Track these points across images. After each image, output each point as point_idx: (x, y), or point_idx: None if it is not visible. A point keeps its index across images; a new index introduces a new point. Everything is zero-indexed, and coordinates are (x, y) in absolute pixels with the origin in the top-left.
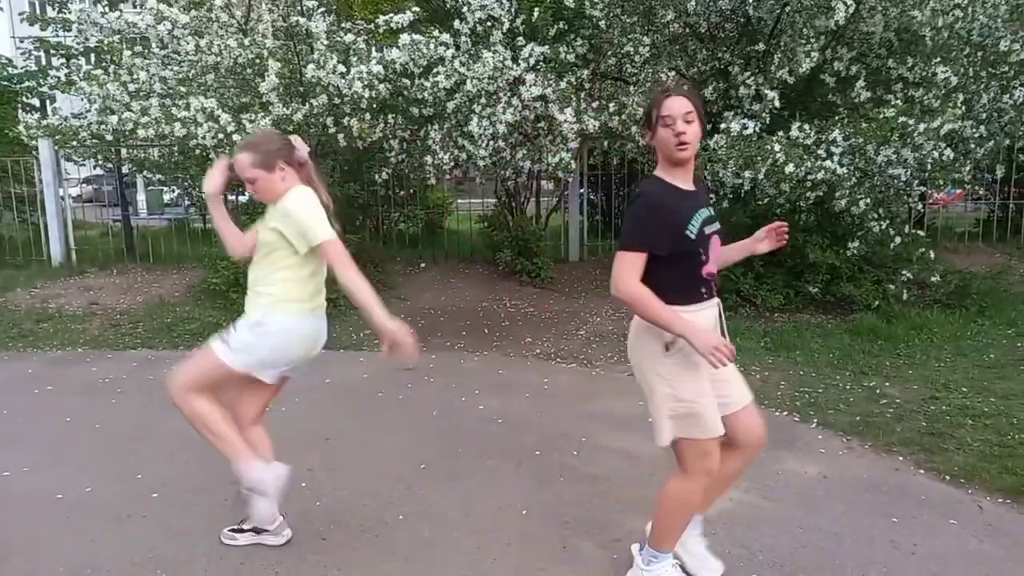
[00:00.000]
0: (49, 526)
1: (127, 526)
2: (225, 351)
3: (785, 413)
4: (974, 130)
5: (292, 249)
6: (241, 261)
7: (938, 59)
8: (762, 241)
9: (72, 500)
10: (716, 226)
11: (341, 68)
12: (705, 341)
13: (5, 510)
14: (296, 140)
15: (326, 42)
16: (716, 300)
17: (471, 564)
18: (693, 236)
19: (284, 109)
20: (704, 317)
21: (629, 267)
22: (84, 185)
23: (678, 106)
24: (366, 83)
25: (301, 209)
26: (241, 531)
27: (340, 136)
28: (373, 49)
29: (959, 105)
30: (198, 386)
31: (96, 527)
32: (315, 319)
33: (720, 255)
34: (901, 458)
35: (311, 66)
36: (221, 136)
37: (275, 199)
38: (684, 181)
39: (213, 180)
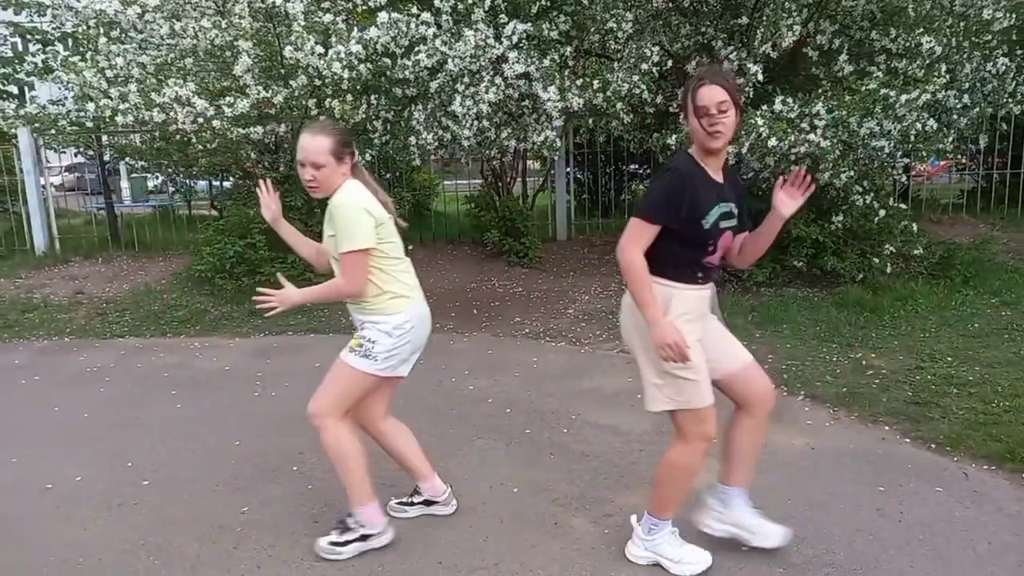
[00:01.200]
0: (39, 516)
1: (118, 514)
2: (369, 364)
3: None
4: (957, 100)
5: None
6: (323, 270)
7: (921, 29)
8: (784, 203)
9: (62, 490)
10: (732, 222)
11: (319, 49)
12: (659, 335)
13: None
14: None
15: (303, 23)
16: (711, 286)
17: (464, 542)
18: (707, 227)
19: (264, 92)
20: (695, 299)
21: (637, 234)
22: (66, 173)
23: (713, 96)
24: (345, 63)
25: (345, 209)
26: (347, 542)
27: (322, 118)
28: (355, 29)
29: (943, 74)
30: (343, 407)
31: (87, 516)
32: (423, 304)
33: (737, 247)
34: (887, 428)
35: (288, 48)
36: (201, 121)
37: (328, 192)
38: (715, 170)
39: (268, 208)
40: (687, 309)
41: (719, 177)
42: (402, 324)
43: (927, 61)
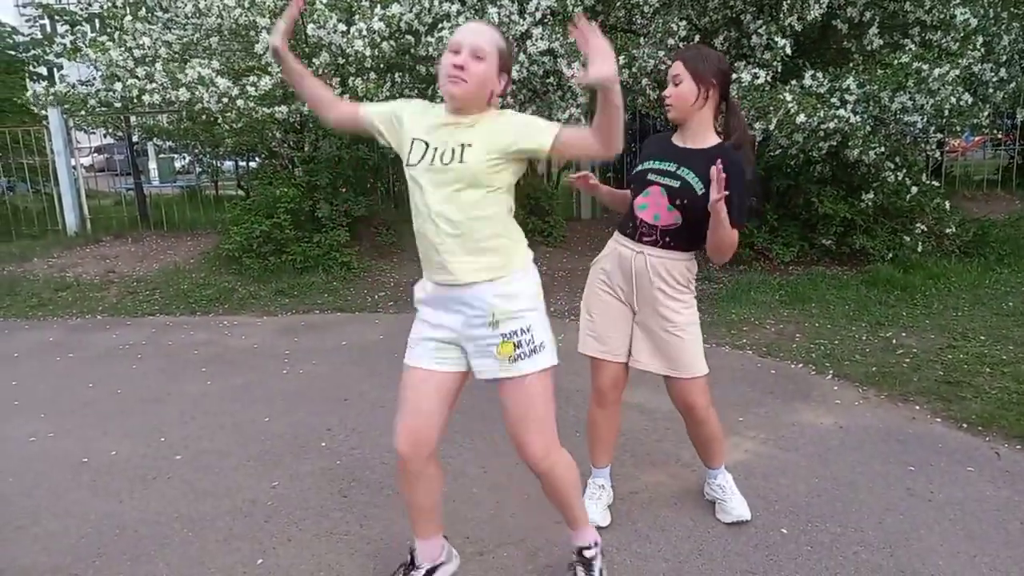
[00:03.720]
0: (76, 488)
1: (152, 487)
2: (543, 358)
3: (800, 365)
4: (993, 73)
5: (510, 175)
6: (337, 128)
7: (957, 1)
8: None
9: (97, 463)
10: (666, 180)
11: (342, 27)
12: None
13: (33, 473)
14: None
15: (325, 0)
16: (641, 248)
17: (491, 518)
18: (635, 171)
19: None
20: (618, 253)
21: None
22: (96, 154)
23: (671, 70)
24: (368, 41)
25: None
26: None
27: (346, 97)
28: (377, 6)
29: (978, 47)
30: (554, 425)
31: (122, 488)
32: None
33: (666, 213)
34: (918, 407)
35: (311, 25)
36: (225, 100)
37: (466, 95)
38: (680, 137)
39: (277, 27)
40: (609, 258)
41: (689, 144)
42: (535, 284)
43: (962, 33)
